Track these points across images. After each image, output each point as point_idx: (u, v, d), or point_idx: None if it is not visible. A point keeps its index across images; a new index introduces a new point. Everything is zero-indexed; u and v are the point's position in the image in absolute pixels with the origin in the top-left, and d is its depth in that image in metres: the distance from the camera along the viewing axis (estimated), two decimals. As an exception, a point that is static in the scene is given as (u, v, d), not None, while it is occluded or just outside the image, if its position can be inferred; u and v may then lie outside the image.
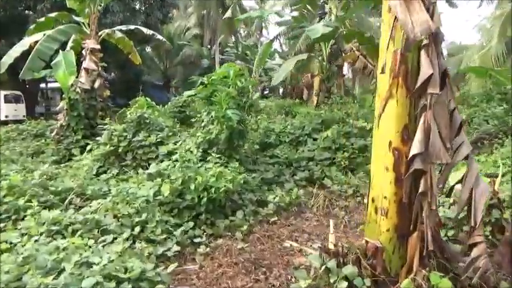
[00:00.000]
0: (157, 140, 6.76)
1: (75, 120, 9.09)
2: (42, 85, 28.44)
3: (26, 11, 21.49)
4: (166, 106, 11.37)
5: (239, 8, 27.15)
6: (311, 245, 4.59)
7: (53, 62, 9.40)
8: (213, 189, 4.93)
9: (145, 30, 12.33)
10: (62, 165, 7.96)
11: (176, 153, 6.14)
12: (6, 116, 21.53)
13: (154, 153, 6.64)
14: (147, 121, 7.14)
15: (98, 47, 10.17)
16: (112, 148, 6.73)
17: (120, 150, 6.71)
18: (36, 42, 10.20)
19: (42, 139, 10.51)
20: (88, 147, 7.20)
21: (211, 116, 6.76)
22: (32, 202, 4.63)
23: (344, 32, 10.15)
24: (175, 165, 5.47)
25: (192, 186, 4.93)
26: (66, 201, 5.11)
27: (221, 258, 4.23)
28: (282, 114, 12.04)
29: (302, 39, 23.93)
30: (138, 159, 6.66)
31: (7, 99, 22.46)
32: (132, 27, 12.06)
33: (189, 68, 32.02)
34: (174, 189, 5.00)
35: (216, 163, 5.51)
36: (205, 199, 4.91)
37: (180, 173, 5.15)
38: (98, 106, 9.81)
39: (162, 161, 6.33)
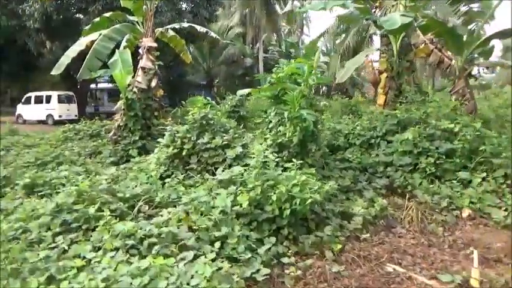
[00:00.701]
0: (223, 142, 6.26)
1: (133, 120, 8.86)
2: (92, 85, 29.34)
3: (78, 14, 22.08)
4: (226, 105, 10.93)
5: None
6: (420, 271, 3.87)
7: (109, 62, 9.25)
8: (297, 201, 4.33)
9: (198, 27, 11.99)
10: (121, 166, 7.73)
11: (248, 157, 5.61)
12: (60, 116, 22.37)
13: (220, 156, 6.14)
14: (211, 122, 6.67)
15: (155, 45, 9.91)
16: (176, 151, 6.33)
17: (184, 153, 6.28)
18: (92, 42, 10.14)
19: (98, 139, 10.45)
20: (156, 150, 6.84)
21: (282, 117, 6.18)
22: (103, 211, 4.26)
23: (416, 23, 9.23)
24: (251, 171, 4.91)
25: (274, 197, 4.37)
26: (135, 209, 4.71)
27: (316, 283, 3.62)
28: (348, 113, 11.24)
29: (351, 34, 22.85)
30: (204, 163, 6.19)
31: (60, 100, 23.34)
32: (185, 25, 11.78)
33: (232, 67, 31.85)
34: (253, 199, 4.46)
35: (297, 169, 4.90)
36: (287, 211, 4.33)
37: (258, 181, 4.59)
38: (154, 106, 9.54)
39: (230, 166, 5.84)
